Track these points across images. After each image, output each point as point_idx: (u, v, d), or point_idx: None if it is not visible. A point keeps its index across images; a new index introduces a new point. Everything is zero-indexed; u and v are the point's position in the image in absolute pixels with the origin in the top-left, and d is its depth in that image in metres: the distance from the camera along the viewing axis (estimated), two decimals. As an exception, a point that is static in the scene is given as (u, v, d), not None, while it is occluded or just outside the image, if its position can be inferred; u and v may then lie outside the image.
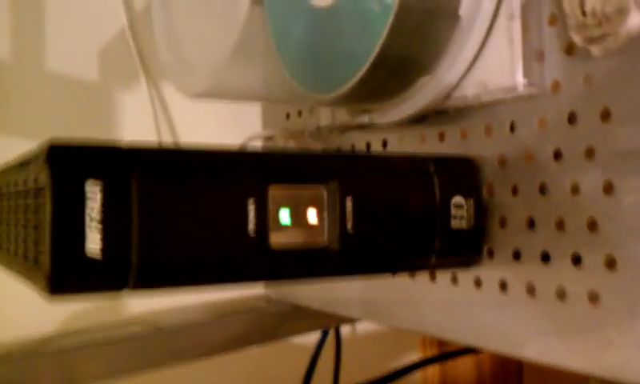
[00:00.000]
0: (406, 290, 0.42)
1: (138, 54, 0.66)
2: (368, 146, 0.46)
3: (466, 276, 0.38)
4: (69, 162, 0.26)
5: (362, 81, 0.36)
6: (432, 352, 0.84)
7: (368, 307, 0.47)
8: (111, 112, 0.66)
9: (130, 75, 0.67)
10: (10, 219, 0.32)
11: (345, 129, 0.47)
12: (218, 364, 0.57)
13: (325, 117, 0.48)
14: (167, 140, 0.68)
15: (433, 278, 0.40)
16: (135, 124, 0.67)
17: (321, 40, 0.40)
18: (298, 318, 0.56)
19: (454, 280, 0.39)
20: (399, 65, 0.36)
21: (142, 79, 0.67)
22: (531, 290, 0.34)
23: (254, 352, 0.59)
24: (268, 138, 0.57)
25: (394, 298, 0.44)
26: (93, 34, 0.65)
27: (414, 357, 0.81)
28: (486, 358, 0.83)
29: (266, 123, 0.60)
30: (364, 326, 0.73)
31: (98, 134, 0.60)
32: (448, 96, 0.37)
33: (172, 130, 0.69)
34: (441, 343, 0.87)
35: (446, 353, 0.68)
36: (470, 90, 0.36)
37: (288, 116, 0.56)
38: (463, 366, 0.85)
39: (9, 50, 0.61)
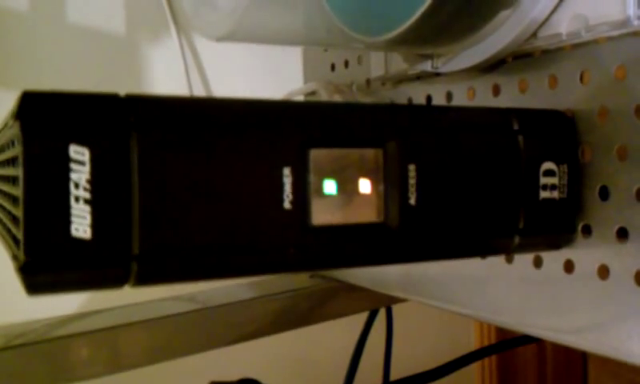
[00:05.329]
0: (473, 271, 0.36)
1: (168, 1, 0.60)
2: (428, 99, 0.39)
3: (553, 258, 0.31)
4: (46, 119, 0.19)
5: (426, 16, 0.29)
6: (490, 337, 0.77)
7: (425, 289, 0.40)
8: (139, 66, 0.61)
9: (158, 25, 0.61)
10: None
11: (400, 79, 0.40)
12: (263, 341, 0.51)
13: (376, 66, 0.41)
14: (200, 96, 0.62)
15: (509, 259, 0.33)
16: (165, 80, 0.61)
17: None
18: (345, 296, 0.50)
19: (538, 262, 0.32)
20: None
21: (172, 30, 0.61)
22: (641, 279, 0.27)
23: (301, 329, 0.53)
24: (310, 94, 0.50)
25: (455, 280, 0.37)
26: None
27: (470, 339, 0.74)
28: (548, 345, 0.76)
29: (307, 76, 0.53)
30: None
31: (124, 90, 0.54)
32: (534, 34, 0.30)
33: (205, 85, 0.63)
34: (499, 328, 0.79)
35: (507, 340, 0.61)
36: (564, 27, 0.29)
37: (333, 67, 0.49)
38: (523, 353, 0.78)
39: (27, -1, 0.56)
